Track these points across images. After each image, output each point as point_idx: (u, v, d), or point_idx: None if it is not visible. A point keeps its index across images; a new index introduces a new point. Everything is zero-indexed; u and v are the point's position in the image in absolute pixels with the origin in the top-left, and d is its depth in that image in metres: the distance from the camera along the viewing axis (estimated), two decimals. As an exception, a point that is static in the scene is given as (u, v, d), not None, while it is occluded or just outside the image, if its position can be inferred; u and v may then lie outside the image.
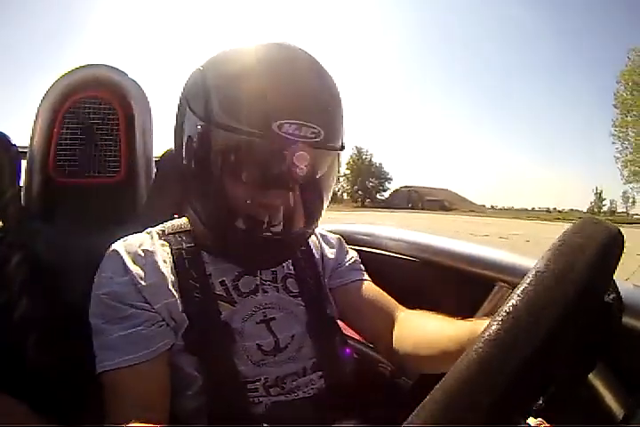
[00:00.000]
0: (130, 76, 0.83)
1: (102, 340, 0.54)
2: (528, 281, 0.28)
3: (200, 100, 0.54)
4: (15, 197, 0.78)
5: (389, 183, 57.94)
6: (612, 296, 0.34)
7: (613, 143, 23.19)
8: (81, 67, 0.81)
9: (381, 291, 0.69)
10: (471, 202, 59.25)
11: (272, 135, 0.50)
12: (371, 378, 0.68)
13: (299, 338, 0.61)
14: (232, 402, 0.55)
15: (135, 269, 0.57)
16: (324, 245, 0.72)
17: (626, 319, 0.53)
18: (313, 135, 0.51)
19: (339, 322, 0.68)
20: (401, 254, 0.86)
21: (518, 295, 0.28)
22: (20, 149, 0.78)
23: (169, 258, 0.59)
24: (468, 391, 0.25)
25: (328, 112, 0.54)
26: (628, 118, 22.64)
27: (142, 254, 0.58)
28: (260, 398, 0.56)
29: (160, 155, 0.84)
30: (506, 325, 0.26)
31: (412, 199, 52.77)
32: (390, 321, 0.64)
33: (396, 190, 56.62)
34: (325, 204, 0.60)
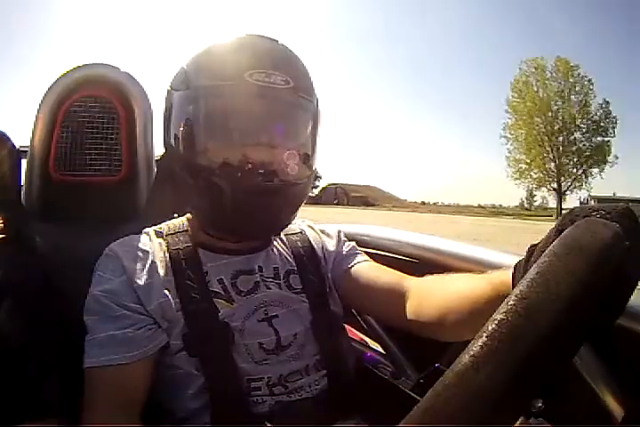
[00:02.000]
0: (130, 74, 0.83)
1: (91, 336, 0.55)
2: (527, 281, 0.28)
3: (180, 76, 0.59)
4: (15, 196, 0.78)
5: (319, 181, 58.95)
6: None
7: (504, 144, 27.41)
8: (81, 66, 0.81)
9: (384, 267, 0.67)
10: (397, 198, 60.11)
11: (245, 83, 0.53)
12: (372, 378, 0.68)
13: (302, 336, 0.61)
14: (234, 401, 0.55)
15: (132, 269, 0.57)
16: (324, 238, 0.72)
17: (626, 321, 0.53)
18: (283, 82, 0.55)
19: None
20: (400, 255, 0.86)
21: (516, 296, 0.28)
22: (21, 149, 0.78)
23: (166, 258, 0.60)
24: (468, 389, 0.25)
25: (295, 67, 0.59)
26: (519, 122, 26.37)
27: (139, 255, 0.59)
28: (264, 398, 0.56)
29: (160, 155, 0.84)
30: (503, 324, 0.26)
31: (339, 196, 54.13)
32: (400, 293, 0.60)
33: (324, 188, 57.85)
34: (312, 157, 0.62)
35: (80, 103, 0.80)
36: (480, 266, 0.75)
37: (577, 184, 25.83)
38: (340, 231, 0.75)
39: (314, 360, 0.61)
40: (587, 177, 25.80)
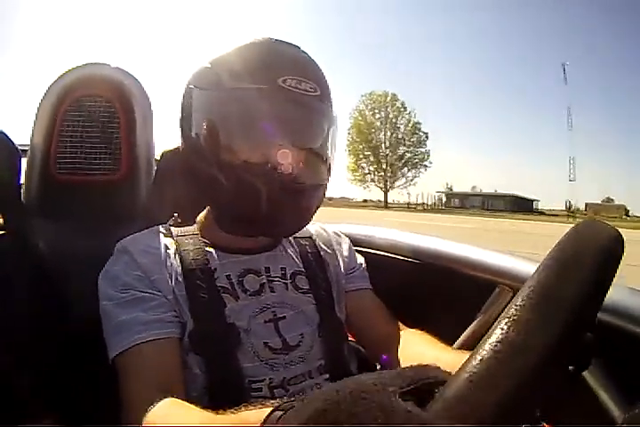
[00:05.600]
0: (130, 73, 0.83)
1: (113, 324, 0.54)
2: (529, 285, 0.28)
3: (208, 76, 0.59)
4: (15, 194, 0.78)
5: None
6: None
7: (348, 157, 36.88)
8: (82, 65, 0.81)
9: (382, 305, 0.70)
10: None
11: (278, 89, 0.55)
12: None
13: (308, 336, 0.61)
14: (233, 401, 0.54)
15: (145, 264, 0.58)
16: (336, 243, 0.73)
17: (624, 323, 0.53)
18: (312, 90, 0.57)
19: None
20: (403, 256, 0.86)
21: (521, 300, 0.28)
22: (21, 147, 0.78)
23: (176, 258, 0.60)
24: (472, 395, 0.25)
25: (320, 75, 0.61)
26: (355, 140, 36.28)
27: (150, 251, 0.60)
28: (264, 400, 0.55)
29: (159, 155, 0.84)
30: (509, 330, 0.26)
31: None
32: (391, 337, 0.64)
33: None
34: (331, 165, 0.63)
35: (80, 102, 0.80)
36: (480, 267, 0.74)
37: (406, 184, 36.69)
38: (350, 243, 0.76)
39: (318, 364, 0.61)
40: (404, 177, 36.74)
